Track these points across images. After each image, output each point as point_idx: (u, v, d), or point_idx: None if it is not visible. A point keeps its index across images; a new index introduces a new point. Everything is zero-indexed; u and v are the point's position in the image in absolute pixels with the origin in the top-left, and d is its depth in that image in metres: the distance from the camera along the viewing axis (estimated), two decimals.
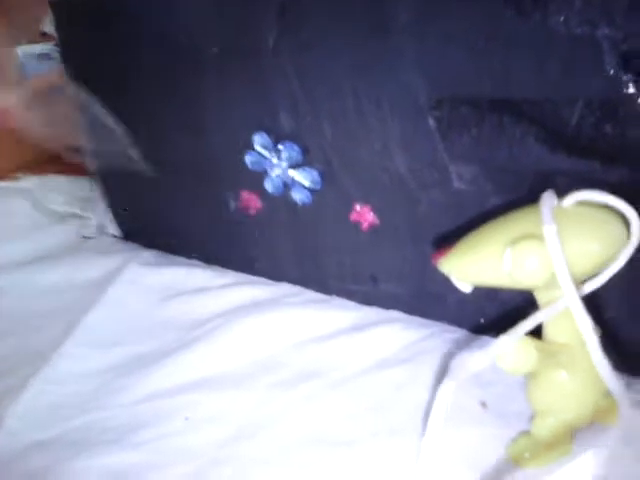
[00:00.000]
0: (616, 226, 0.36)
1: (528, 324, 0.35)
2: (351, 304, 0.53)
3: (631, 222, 0.36)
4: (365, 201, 0.50)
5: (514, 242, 0.35)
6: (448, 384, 0.33)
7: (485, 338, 0.47)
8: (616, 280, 0.38)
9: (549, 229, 0.34)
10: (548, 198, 0.36)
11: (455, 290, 0.48)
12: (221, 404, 0.45)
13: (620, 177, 0.40)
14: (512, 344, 0.34)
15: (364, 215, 0.50)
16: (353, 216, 0.51)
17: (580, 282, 0.36)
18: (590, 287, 0.37)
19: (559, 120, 0.41)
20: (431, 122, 0.45)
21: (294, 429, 0.43)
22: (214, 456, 0.42)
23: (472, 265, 0.38)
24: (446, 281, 0.47)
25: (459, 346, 0.46)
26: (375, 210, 0.50)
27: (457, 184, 0.46)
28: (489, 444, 0.39)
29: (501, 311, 0.48)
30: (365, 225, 0.51)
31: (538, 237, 0.34)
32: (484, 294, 0.46)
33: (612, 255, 0.36)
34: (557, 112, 0.41)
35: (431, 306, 0.51)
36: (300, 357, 0.48)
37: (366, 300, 0.53)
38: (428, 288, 0.51)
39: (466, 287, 0.40)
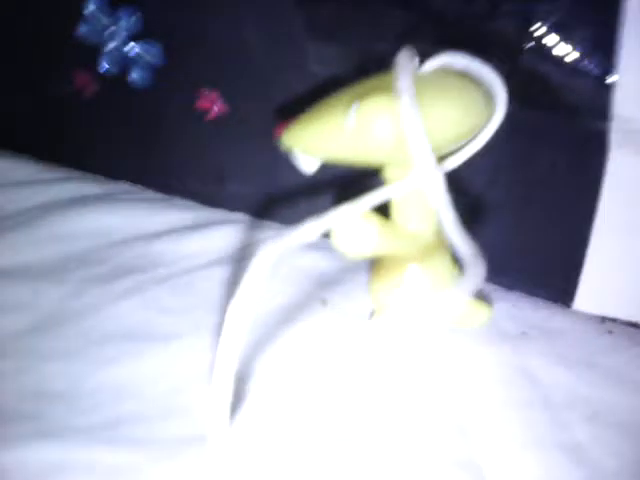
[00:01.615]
0: (480, 96, 0.31)
1: (372, 198, 0.30)
2: (193, 204, 0.47)
3: (497, 92, 0.31)
4: (213, 84, 0.44)
5: (362, 96, 0.29)
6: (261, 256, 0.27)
7: None
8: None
9: (403, 81, 0.28)
10: (405, 55, 0.30)
11: (307, 191, 0.43)
12: (21, 295, 0.38)
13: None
14: (351, 218, 0.29)
15: (212, 101, 0.44)
16: (199, 102, 0.44)
17: (438, 158, 0.31)
18: (451, 164, 0.32)
19: None
20: None
21: (105, 323, 0.37)
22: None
23: (315, 133, 0.32)
24: (297, 180, 0.42)
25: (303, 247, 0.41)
26: (224, 96, 0.44)
27: (315, 67, 0.41)
28: (328, 341, 0.34)
29: None
30: (212, 113, 0.44)
31: (390, 92, 0.28)
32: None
33: (477, 129, 0.31)
34: None
35: (280, 208, 0.45)
36: (124, 253, 0.42)
37: (210, 202, 0.47)
38: (279, 188, 0.45)
39: (310, 165, 0.34)
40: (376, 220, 0.29)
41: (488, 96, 0.32)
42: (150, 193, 0.48)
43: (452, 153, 0.32)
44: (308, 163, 0.34)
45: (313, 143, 0.32)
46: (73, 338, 0.36)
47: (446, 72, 0.32)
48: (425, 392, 0.33)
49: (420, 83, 0.29)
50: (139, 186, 0.49)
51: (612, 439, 0.30)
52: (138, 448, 0.29)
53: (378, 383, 0.33)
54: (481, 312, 0.35)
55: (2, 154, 0.52)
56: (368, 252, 0.29)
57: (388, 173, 0.32)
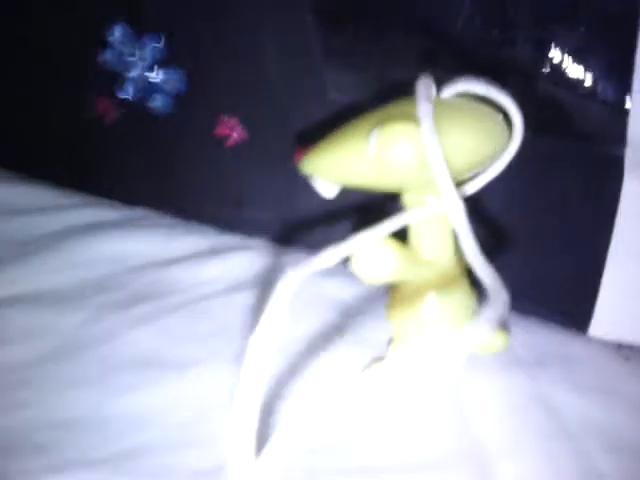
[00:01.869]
0: (498, 124, 0.32)
1: (392, 224, 0.30)
2: (211, 230, 0.47)
3: (513, 119, 0.32)
4: (232, 111, 0.44)
5: (382, 123, 0.29)
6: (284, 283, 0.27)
7: None
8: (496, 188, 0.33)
9: (424, 108, 0.29)
10: (424, 80, 0.31)
11: (324, 217, 0.43)
12: (39, 322, 0.39)
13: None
14: (370, 244, 0.29)
15: (231, 128, 0.45)
16: (219, 129, 0.45)
17: (457, 183, 0.31)
18: (470, 188, 0.32)
19: (445, 20, 0.37)
20: (309, 16, 0.40)
21: (123, 350, 0.37)
22: (19, 376, 0.35)
23: (335, 159, 0.32)
24: (317, 207, 0.42)
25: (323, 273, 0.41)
26: (243, 123, 0.44)
27: (333, 94, 0.41)
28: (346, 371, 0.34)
29: None
30: (232, 140, 0.45)
31: (412, 119, 0.29)
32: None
33: (493, 156, 0.32)
34: (444, 11, 0.37)
35: (298, 234, 0.45)
36: (142, 279, 0.42)
37: (228, 226, 0.47)
38: (296, 214, 0.45)
39: (330, 191, 0.34)
40: (395, 246, 0.29)
41: (504, 123, 0.32)
42: (167, 219, 0.48)
43: (467, 180, 0.33)
44: (327, 189, 0.34)
45: (332, 169, 0.33)
46: (91, 365, 0.36)
47: (463, 99, 0.32)
48: (441, 420, 0.32)
49: (438, 110, 0.29)
50: (157, 212, 0.49)
51: (634, 470, 0.30)
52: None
53: (394, 413, 0.32)
54: (498, 339, 0.35)
55: (20, 179, 0.52)
56: (387, 278, 0.29)
57: (406, 199, 0.32)
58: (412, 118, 0.28)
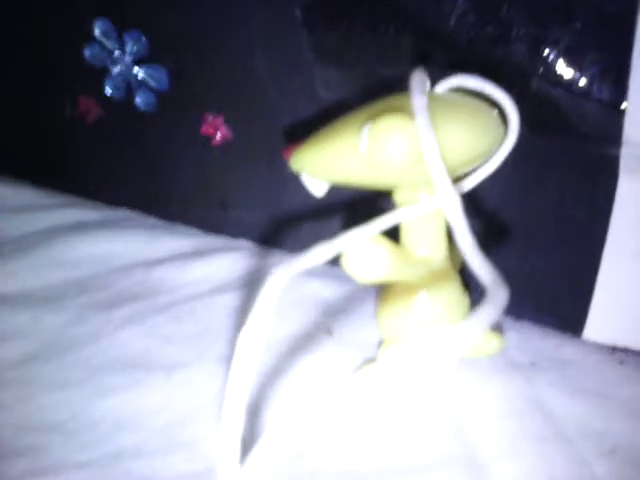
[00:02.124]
0: (494, 119, 0.31)
1: (384, 221, 0.29)
2: (195, 231, 0.46)
3: (509, 115, 0.31)
4: (218, 110, 0.43)
5: (375, 117, 0.28)
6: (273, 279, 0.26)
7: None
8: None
9: (419, 100, 0.28)
10: (418, 74, 0.30)
11: (311, 218, 0.42)
12: (22, 322, 0.38)
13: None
14: (361, 242, 0.28)
15: (215, 127, 0.44)
16: (203, 127, 0.44)
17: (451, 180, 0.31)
18: (466, 185, 0.31)
19: (438, 17, 0.36)
20: (298, 12, 0.39)
21: (106, 352, 0.36)
22: (1, 376, 0.34)
23: (325, 155, 0.31)
24: (303, 207, 0.42)
25: (308, 274, 0.40)
26: (228, 121, 0.43)
27: (322, 91, 0.40)
28: (332, 372, 0.33)
29: None
30: (216, 140, 0.44)
31: (405, 113, 0.28)
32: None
33: (489, 152, 0.31)
34: (437, 8, 0.36)
35: (285, 235, 0.44)
36: (125, 280, 0.41)
37: (213, 228, 0.46)
38: (283, 215, 0.44)
39: (319, 189, 0.33)
40: (387, 244, 0.28)
41: (500, 119, 0.32)
42: (151, 220, 0.47)
43: (462, 177, 0.32)
44: (317, 186, 0.33)
45: (322, 166, 0.32)
46: (73, 367, 0.35)
47: (458, 94, 0.32)
48: (436, 423, 0.32)
49: (432, 104, 0.28)
50: (140, 213, 0.48)
51: (629, 473, 0.29)
52: None
53: (387, 416, 0.32)
54: (493, 341, 0.34)
55: (2, 179, 0.51)
56: (379, 277, 0.28)
57: (398, 196, 0.32)
58: (405, 112, 0.27)
